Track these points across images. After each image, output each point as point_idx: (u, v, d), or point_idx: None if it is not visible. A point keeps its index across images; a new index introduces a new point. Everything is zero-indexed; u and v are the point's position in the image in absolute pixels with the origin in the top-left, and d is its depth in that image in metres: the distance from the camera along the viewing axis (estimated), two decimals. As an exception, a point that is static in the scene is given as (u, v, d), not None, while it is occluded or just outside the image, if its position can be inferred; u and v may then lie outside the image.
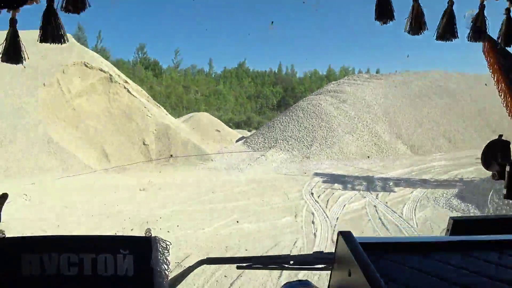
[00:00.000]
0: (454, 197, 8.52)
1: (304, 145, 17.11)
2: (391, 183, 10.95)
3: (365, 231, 6.64)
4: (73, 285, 1.05)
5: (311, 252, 1.23)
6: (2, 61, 1.16)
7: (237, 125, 39.24)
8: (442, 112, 19.57)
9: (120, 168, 15.36)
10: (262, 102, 62.04)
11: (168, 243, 1.06)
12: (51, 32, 1.18)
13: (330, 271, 1.03)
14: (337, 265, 0.97)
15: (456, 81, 22.93)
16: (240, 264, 1.23)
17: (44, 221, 7.69)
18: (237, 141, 22.14)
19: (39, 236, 1.08)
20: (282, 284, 1.12)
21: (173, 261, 5.34)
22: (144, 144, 16.98)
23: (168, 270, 1.06)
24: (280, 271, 3.92)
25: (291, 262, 1.20)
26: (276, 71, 73.06)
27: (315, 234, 6.55)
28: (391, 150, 16.75)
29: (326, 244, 6.04)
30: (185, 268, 1.19)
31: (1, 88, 15.63)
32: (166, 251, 1.06)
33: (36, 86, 16.25)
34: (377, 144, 17.05)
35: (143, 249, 1.05)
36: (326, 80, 63.68)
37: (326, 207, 8.49)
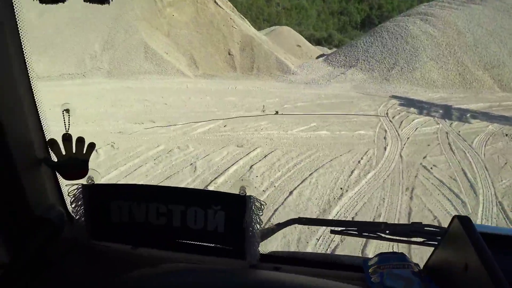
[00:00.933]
0: (531, 138, 8.43)
1: (385, 67, 17.08)
2: (468, 115, 10.88)
3: (432, 152, 7.22)
4: (161, 234, 1.04)
5: (409, 223, 1.17)
6: (84, 1, 0.92)
7: (317, 42, 38.47)
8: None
9: (208, 75, 16.72)
10: (345, 20, 59.24)
11: (262, 202, 1.01)
12: None
13: (433, 248, 0.99)
14: (446, 247, 0.91)
15: None
16: (334, 228, 1.20)
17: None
18: (317, 57, 22.39)
19: (127, 184, 1.06)
20: (377, 253, 1.07)
21: (261, 155, 6.53)
22: (229, 54, 17.99)
23: (260, 230, 1.02)
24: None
25: (387, 231, 1.14)
26: (364, -14, 68.13)
27: (385, 148, 7.26)
28: (477, 82, 16.08)
29: (394, 157, 6.81)
30: (274, 224, 1.20)
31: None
32: (260, 211, 1.00)
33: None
34: (462, 74, 16.44)
35: (236, 207, 0.99)
36: (417, 0, 58.56)
37: (399, 127, 9.03)
